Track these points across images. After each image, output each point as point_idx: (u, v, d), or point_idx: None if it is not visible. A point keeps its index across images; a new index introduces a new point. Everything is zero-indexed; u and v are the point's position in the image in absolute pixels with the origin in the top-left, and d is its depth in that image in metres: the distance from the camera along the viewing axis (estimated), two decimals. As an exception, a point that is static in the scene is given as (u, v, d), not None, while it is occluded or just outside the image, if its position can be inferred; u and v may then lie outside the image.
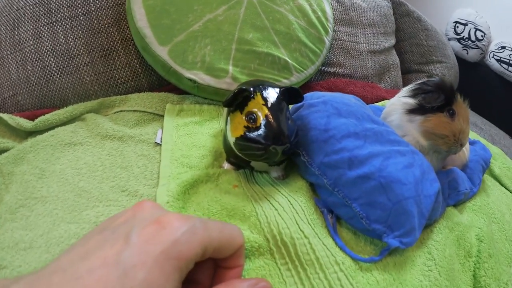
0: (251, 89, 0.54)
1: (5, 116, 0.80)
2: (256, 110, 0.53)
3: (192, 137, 0.75)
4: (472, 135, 1.13)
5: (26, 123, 0.80)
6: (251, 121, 0.52)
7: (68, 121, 0.84)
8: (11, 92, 0.98)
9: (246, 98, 0.54)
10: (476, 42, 2.32)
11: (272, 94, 0.54)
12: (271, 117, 0.52)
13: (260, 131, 0.51)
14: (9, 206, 0.57)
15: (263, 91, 0.54)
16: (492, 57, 2.30)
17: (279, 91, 0.56)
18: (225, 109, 0.61)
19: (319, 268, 0.46)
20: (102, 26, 1.02)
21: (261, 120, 0.52)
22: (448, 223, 0.64)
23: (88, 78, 0.98)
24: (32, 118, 0.84)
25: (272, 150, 0.51)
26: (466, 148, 0.81)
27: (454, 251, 0.60)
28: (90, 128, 0.79)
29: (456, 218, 0.66)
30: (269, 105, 0.53)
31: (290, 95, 0.57)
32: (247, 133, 0.52)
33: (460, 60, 2.18)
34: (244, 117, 0.53)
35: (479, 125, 1.69)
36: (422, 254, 0.55)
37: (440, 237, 0.59)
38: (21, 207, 0.56)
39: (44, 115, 0.83)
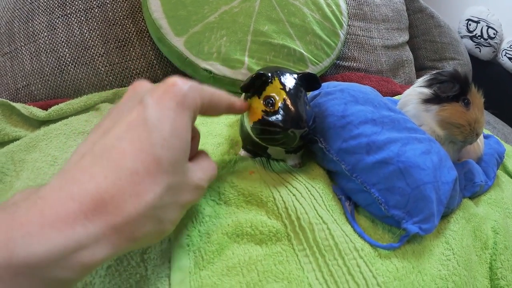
0: (269, 74, 0.54)
1: (18, 105, 0.80)
2: (274, 94, 0.53)
3: (207, 126, 0.75)
4: (485, 132, 1.12)
5: (39, 112, 0.81)
6: (269, 105, 0.52)
7: (82, 111, 0.85)
8: (24, 83, 0.99)
9: (264, 82, 0.54)
10: (489, 40, 2.31)
11: (290, 79, 0.54)
12: (289, 101, 0.52)
13: (279, 115, 0.51)
14: None
15: (281, 76, 0.54)
16: (505, 55, 2.30)
17: (297, 76, 0.55)
18: (242, 96, 0.60)
19: (338, 254, 0.46)
20: (117, 18, 1.03)
21: (279, 104, 0.52)
22: (465, 214, 0.63)
23: (103, 69, 0.99)
24: (45, 108, 0.84)
25: (291, 133, 0.51)
26: (481, 141, 0.81)
27: (471, 242, 0.59)
28: (104, 117, 0.79)
29: (472, 209, 0.66)
30: (287, 89, 0.53)
31: (308, 81, 0.57)
32: (265, 117, 0.52)
33: (473, 58, 2.17)
34: (262, 101, 0.53)
35: (492, 124, 1.68)
36: (440, 244, 0.55)
37: (457, 227, 0.59)
38: None
39: (57, 104, 0.83)
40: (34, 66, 0.99)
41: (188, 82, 0.39)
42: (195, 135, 0.48)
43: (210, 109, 0.44)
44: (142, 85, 0.42)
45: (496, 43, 2.34)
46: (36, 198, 0.30)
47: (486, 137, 0.93)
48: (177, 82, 0.39)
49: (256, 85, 0.55)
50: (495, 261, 0.59)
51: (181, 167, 0.37)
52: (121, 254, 0.37)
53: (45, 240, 0.27)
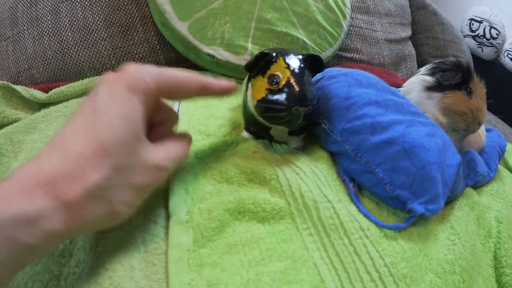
0: (273, 53, 0.54)
1: (19, 88, 0.80)
2: (278, 73, 0.52)
3: (210, 109, 0.74)
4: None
5: (40, 95, 0.81)
6: (274, 83, 0.52)
7: (83, 94, 0.84)
8: (26, 66, 0.99)
9: (268, 62, 0.54)
10: (491, 40, 2.32)
11: (294, 60, 0.54)
12: (293, 79, 0.52)
13: (283, 93, 0.51)
14: None
15: (286, 56, 0.54)
16: (507, 55, 2.30)
17: (301, 57, 0.55)
18: (246, 78, 0.60)
19: (343, 233, 0.45)
20: (121, 3, 1.03)
21: (284, 82, 0.51)
22: (468, 201, 0.63)
23: (105, 52, 0.99)
24: (46, 90, 0.84)
25: (295, 111, 0.51)
26: (483, 132, 0.81)
27: (475, 229, 0.59)
28: (105, 100, 0.78)
29: (475, 198, 0.66)
30: (292, 68, 0.53)
31: (312, 63, 0.57)
32: (269, 95, 0.51)
33: (475, 57, 2.17)
34: (266, 80, 0.52)
35: (492, 122, 1.68)
36: (445, 229, 0.54)
37: (461, 213, 0.58)
38: None
39: (59, 87, 0.83)
40: (37, 49, 0.99)
41: (141, 67, 0.42)
42: (168, 118, 0.49)
43: (174, 92, 0.45)
44: (107, 76, 0.43)
45: (498, 43, 2.34)
46: (8, 177, 0.33)
47: (488, 130, 0.93)
48: (128, 68, 0.41)
49: (260, 64, 0.55)
50: (499, 250, 0.59)
51: (130, 148, 0.38)
52: (78, 233, 0.40)
53: (11, 205, 0.31)
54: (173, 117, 0.50)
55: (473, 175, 0.70)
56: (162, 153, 0.42)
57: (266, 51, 0.54)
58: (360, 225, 0.47)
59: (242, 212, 0.46)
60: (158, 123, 0.47)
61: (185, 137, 0.49)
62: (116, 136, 0.37)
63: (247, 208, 0.46)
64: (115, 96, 0.39)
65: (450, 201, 0.60)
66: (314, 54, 0.57)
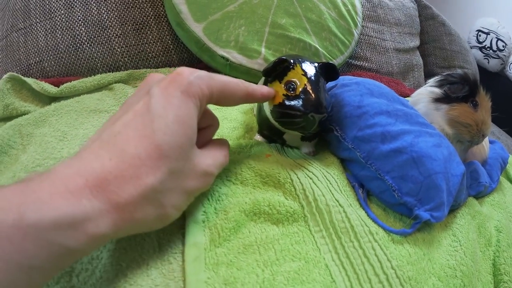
0: (291, 60, 0.55)
1: (30, 80, 0.80)
2: (295, 79, 0.54)
3: (222, 111, 0.76)
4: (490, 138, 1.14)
5: (50, 88, 0.80)
6: (291, 89, 0.53)
7: (95, 90, 0.84)
8: (37, 59, 0.99)
9: (286, 68, 0.55)
10: (497, 52, 2.32)
11: (310, 67, 0.56)
12: (310, 86, 0.53)
13: (300, 99, 0.52)
14: (25, 165, 0.55)
15: (302, 63, 0.56)
16: (513, 68, 2.30)
17: (317, 65, 0.57)
18: (260, 81, 0.62)
19: (353, 237, 0.47)
20: (136, 1, 1.05)
21: (301, 89, 0.53)
22: (470, 210, 0.65)
23: (119, 50, 1.00)
24: (57, 84, 0.84)
25: (310, 118, 0.52)
26: (486, 144, 0.84)
27: (476, 237, 0.61)
28: (117, 97, 0.79)
29: (477, 207, 0.67)
30: (308, 76, 0.54)
31: (327, 70, 0.58)
32: (286, 100, 0.53)
33: (481, 69, 2.18)
34: (283, 86, 0.54)
35: (496, 134, 1.70)
36: (448, 236, 0.56)
37: (463, 222, 0.60)
38: (37, 166, 0.55)
39: (70, 82, 0.83)
40: (49, 42, 0.99)
41: (195, 72, 0.41)
42: (211, 124, 0.50)
43: (223, 99, 0.45)
44: (153, 77, 0.44)
45: (504, 55, 2.35)
46: (48, 173, 0.32)
47: (491, 142, 0.95)
48: (183, 72, 0.40)
49: (277, 70, 0.56)
50: (498, 258, 0.61)
51: (185, 153, 0.38)
52: (123, 235, 0.37)
53: (54, 207, 0.29)
54: (216, 123, 0.51)
55: (476, 185, 0.71)
56: (210, 160, 0.43)
57: (284, 58, 0.55)
58: (369, 229, 0.49)
59: (257, 213, 0.47)
60: (201, 129, 0.47)
61: (225, 144, 0.50)
62: (173, 139, 0.37)
63: (263, 210, 0.48)
64: (172, 100, 0.38)
65: (453, 209, 0.62)
66: (330, 62, 0.58)
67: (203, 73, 0.42)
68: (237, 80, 0.46)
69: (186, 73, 0.40)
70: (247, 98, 0.48)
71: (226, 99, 0.45)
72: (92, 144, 0.36)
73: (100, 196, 0.32)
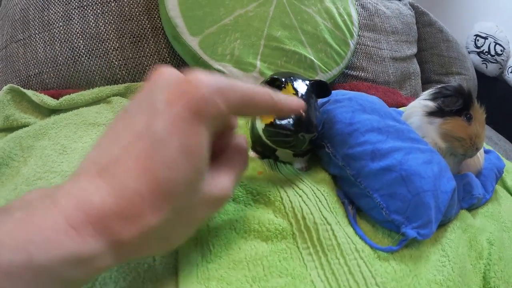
0: (283, 79, 0.56)
1: (29, 93, 0.81)
2: None
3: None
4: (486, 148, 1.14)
5: (50, 101, 0.81)
6: None
7: (93, 103, 0.85)
8: (36, 70, 1.00)
9: (277, 87, 0.56)
10: (496, 56, 2.32)
11: (302, 85, 0.56)
12: None
13: (290, 119, 0.53)
14: (26, 177, 0.56)
15: (294, 82, 0.56)
16: (511, 72, 2.30)
17: (309, 83, 0.58)
18: None
19: (339, 254, 0.48)
20: (133, 14, 1.05)
21: None
22: (462, 224, 0.65)
23: (116, 63, 1.01)
24: (56, 96, 0.85)
25: (301, 137, 0.53)
26: (481, 155, 0.84)
27: (466, 251, 0.61)
28: (115, 110, 0.80)
29: (469, 220, 0.68)
30: (300, 95, 0.55)
31: (319, 88, 0.59)
32: (277, 120, 0.53)
33: (479, 74, 2.18)
34: None
35: (494, 140, 1.69)
36: (437, 251, 0.57)
37: (453, 236, 0.61)
38: (39, 180, 0.55)
39: (69, 94, 0.84)
40: (48, 54, 1.00)
41: (212, 82, 0.34)
42: (229, 127, 0.44)
43: (245, 111, 0.39)
44: (164, 77, 0.36)
45: (502, 59, 2.35)
46: (50, 202, 0.30)
47: (486, 152, 0.95)
48: (197, 81, 0.34)
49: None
50: (489, 271, 0.61)
51: (193, 188, 0.34)
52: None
53: (62, 245, 0.28)
54: (234, 122, 0.44)
55: (469, 198, 0.72)
56: (224, 181, 0.38)
57: (276, 77, 0.56)
58: (355, 246, 0.49)
59: (247, 231, 0.49)
60: (220, 134, 0.42)
61: (243, 147, 0.45)
62: (179, 175, 0.32)
63: (253, 228, 0.49)
64: (179, 123, 0.32)
65: (443, 224, 0.63)
66: (321, 80, 0.59)
67: (222, 82, 0.35)
68: (263, 90, 0.39)
69: (201, 83, 0.33)
70: (273, 111, 0.43)
71: (249, 111, 0.40)
72: (91, 169, 0.33)
73: (103, 234, 0.30)
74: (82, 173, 0.33)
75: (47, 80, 1.00)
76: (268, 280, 0.43)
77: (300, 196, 0.55)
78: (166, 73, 0.36)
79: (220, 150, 0.42)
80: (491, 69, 2.37)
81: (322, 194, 0.57)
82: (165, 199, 0.32)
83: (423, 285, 0.50)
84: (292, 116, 0.53)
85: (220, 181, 0.38)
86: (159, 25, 1.06)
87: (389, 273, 0.49)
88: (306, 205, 0.53)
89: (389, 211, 0.54)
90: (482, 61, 2.36)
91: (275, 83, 0.56)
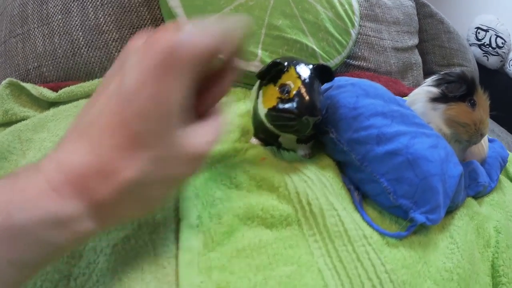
0: (285, 62, 0.55)
1: (28, 86, 0.80)
2: (289, 82, 0.53)
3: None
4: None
5: (49, 93, 0.81)
6: (285, 92, 0.53)
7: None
8: (35, 64, 0.99)
9: (280, 71, 0.55)
10: (497, 49, 2.32)
11: (305, 69, 0.55)
12: (304, 89, 0.53)
13: (294, 102, 0.52)
14: None
15: (297, 66, 0.55)
16: (512, 64, 2.30)
17: (312, 67, 0.56)
18: (256, 84, 0.61)
19: (347, 241, 0.46)
20: (133, 5, 1.03)
21: (295, 92, 0.53)
22: (468, 211, 0.64)
23: (116, 54, 0.99)
24: (56, 89, 0.84)
25: (305, 121, 0.52)
26: (485, 143, 0.83)
27: (474, 239, 0.60)
28: (115, 101, 0.78)
29: (476, 208, 0.67)
30: (302, 78, 0.54)
31: (322, 73, 0.58)
32: (280, 104, 0.53)
33: (480, 66, 2.17)
34: (277, 89, 0.54)
35: (496, 132, 1.69)
36: (445, 238, 0.56)
37: (461, 223, 0.60)
38: None
39: (68, 86, 0.83)
40: (47, 48, 0.99)
41: (178, 31, 0.33)
42: (220, 82, 0.42)
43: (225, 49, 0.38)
44: (133, 43, 0.37)
45: (504, 52, 2.34)
46: (34, 169, 0.31)
47: (490, 141, 0.94)
48: (163, 33, 0.33)
49: (271, 73, 0.56)
50: (497, 259, 0.60)
51: (167, 138, 0.33)
52: (110, 227, 0.37)
53: (40, 206, 0.29)
54: (232, 73, 0.44)
55: (475, 186, 0.71)
56: (202, 138, 0.37)
57: (278, 61, 0.55)
58: (363, 233, 0.48)
59: (251, 218, 0.47)
60: (207, 88, 0.41)
61: (221, 107, 0.44)
62: (151, 126, 0.32)
63: (256, 214, 0.47)
64: (147, 74, 0.32)
65: (450, 211, 0.62)
66: (324, 64, 0.58)
67: (190, 29, 0.34)
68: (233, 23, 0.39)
69: (167, 35, 0.33)
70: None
71: (221, 48, 0.37)
72: (71, 133, 0.34)
73: (82, 195, 0.30)
74: (64, 140, 0.34)
75: (46, 73, 0.99)
76: (273, 269, 0.42)
77: (305, 182, 0.53)
78: (137, 38, 0.37)
79: (213, 102, 0.42)
80: (492, 61, 2.36)
81: (328, 180, 0.56)
82: (139, 149, 0.32)
83: (433, 273, 0.49)
84: (296, 99, 0.52)
85: (198, 138, 0.37)
86: (158, 15, 1.05)
87: (398, 259, 0.47)
88: (312, 190, 0.52)
89: (396, 195, 0.53)
90: (483, 53, 2.36)
91: (277, 66, 0.55)
